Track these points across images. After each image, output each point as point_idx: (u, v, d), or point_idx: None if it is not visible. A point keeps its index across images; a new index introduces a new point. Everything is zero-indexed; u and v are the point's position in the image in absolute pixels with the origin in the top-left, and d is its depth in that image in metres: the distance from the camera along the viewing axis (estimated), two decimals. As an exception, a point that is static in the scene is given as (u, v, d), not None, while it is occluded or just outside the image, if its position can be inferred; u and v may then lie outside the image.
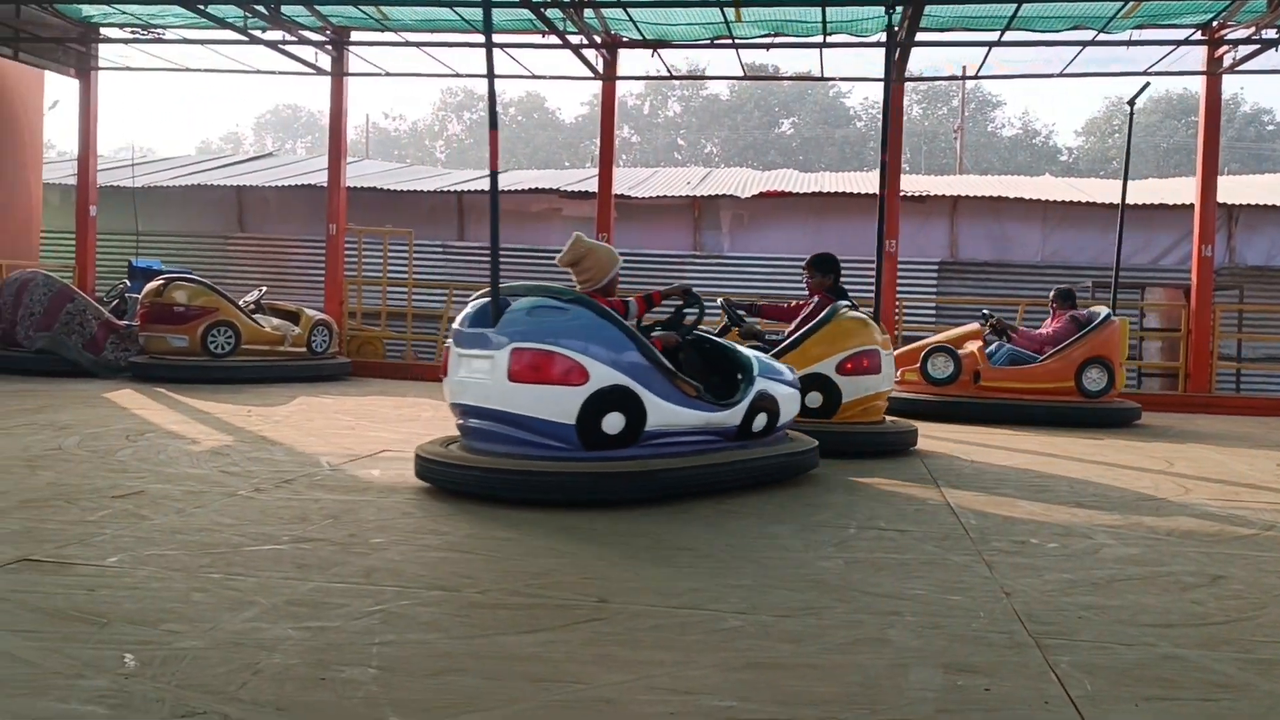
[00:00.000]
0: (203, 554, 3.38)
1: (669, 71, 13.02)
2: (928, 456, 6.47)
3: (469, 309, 4.83)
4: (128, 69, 13.06)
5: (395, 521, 4.01)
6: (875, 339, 6.55)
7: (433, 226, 15.91)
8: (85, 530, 3.66)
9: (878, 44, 11.10)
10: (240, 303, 10.52)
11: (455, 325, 4.87)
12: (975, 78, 12.30)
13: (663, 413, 4.68)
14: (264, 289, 11.38)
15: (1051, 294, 9.55)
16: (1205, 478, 5.93)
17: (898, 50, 10.97)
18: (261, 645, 2.51)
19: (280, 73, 12.47)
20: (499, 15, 10.60)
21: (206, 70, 12.82)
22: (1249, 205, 14.53)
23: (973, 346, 8.96)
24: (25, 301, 10.27)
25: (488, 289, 4.78)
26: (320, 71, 12.16)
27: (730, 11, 10.10)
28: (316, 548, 3.53)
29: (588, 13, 10.53)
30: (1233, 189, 15.28)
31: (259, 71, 12.75)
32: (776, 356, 6.01)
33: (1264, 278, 14.39)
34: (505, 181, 16.99)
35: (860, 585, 3.28)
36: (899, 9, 9.43)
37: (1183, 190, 14.99)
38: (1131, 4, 9.57)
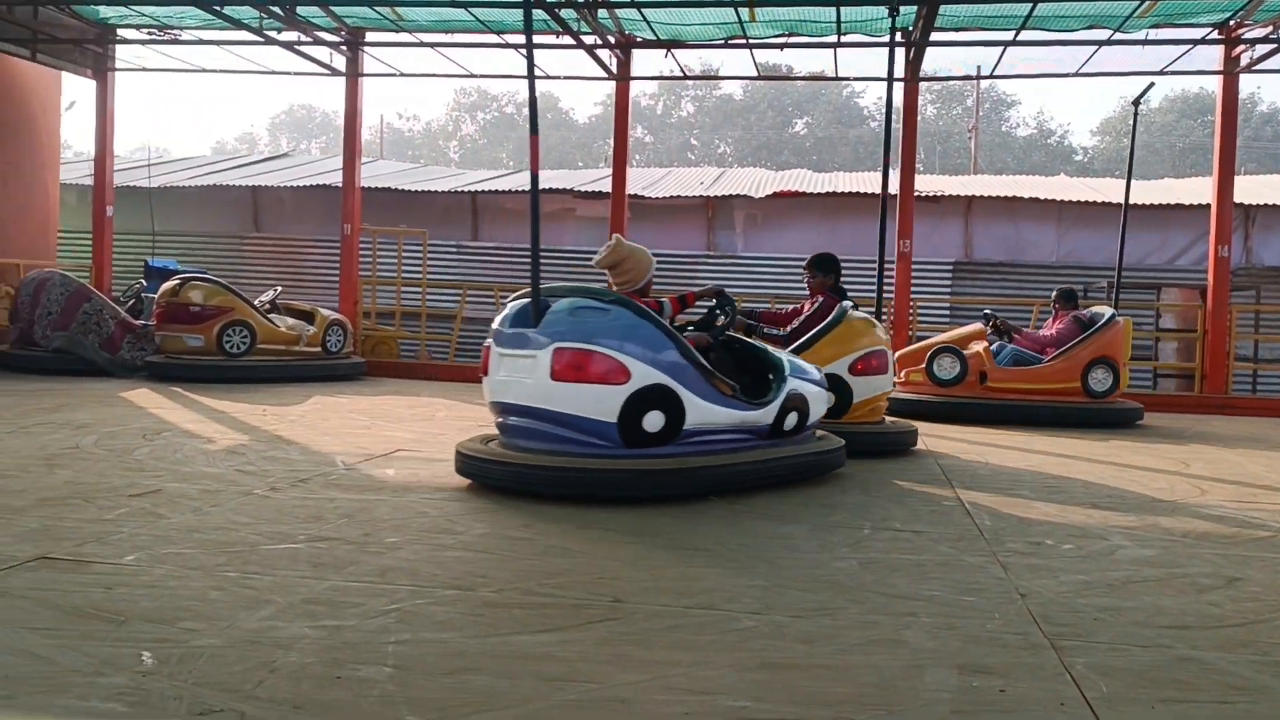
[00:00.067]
0: (219, 552, 3.40)
1: (683, 72, 13.02)
2: (940, 457, 6.45)
3: (509, 309, 4.90)
4: (144, 70, 13.13)
5: (410, 521, 4.02)
6: (882, 339, 6.65)
7: (446, 226, 15.94)
8: (102, 529, 3.69)
9: (893, 43, 11.08)
10: (255, 303, 10.57)
11: (495, 325, 4.94)
12: (990, 77, 12.25)
13: (700, 411, 4.76)
14: (279, 289, 11.44)
15: (1054, 294, 9.53)
16: (1221, 479, 5.90)
17: (912, 50, 10.96)
18: (278, 644, 2.52)
19: (295, 73, 12.53)
20: (511, 15, 10.62)
21: (222, 71, 12.89)
22: (1266, 205, 14.43)
23: (977, 347, 8.93)
24: (43, 301, 10.34)
25: (525, 290, 4.87)
26: (335, 72, 12.20)
27: (744, 11, 10.09)
28: (332, 547, 3.54)
29: (601, 13, 10.54)
30: (1250, 189, 15.19)
31: (274, 72, 12.81)
32: None
33: (1281, 278, 14.30)
34: (518, 182, 17.03)
35: (875, 586, 3.28)
36: (902, 9, 9.40)
37: (1199, 190, 14.91)
38: (1148, 3, 9.52)
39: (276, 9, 10.34)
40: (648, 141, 55.20)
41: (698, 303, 5.47)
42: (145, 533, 3.66)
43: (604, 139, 48.39)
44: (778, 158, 48.60)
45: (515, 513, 4.25)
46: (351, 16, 11.37)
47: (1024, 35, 10.36)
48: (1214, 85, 11.48)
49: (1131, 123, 9.71)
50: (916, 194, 12.10)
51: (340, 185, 13.07)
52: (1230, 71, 10.72)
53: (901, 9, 10.01)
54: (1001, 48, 10.67)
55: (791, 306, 7.29)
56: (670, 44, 11.41)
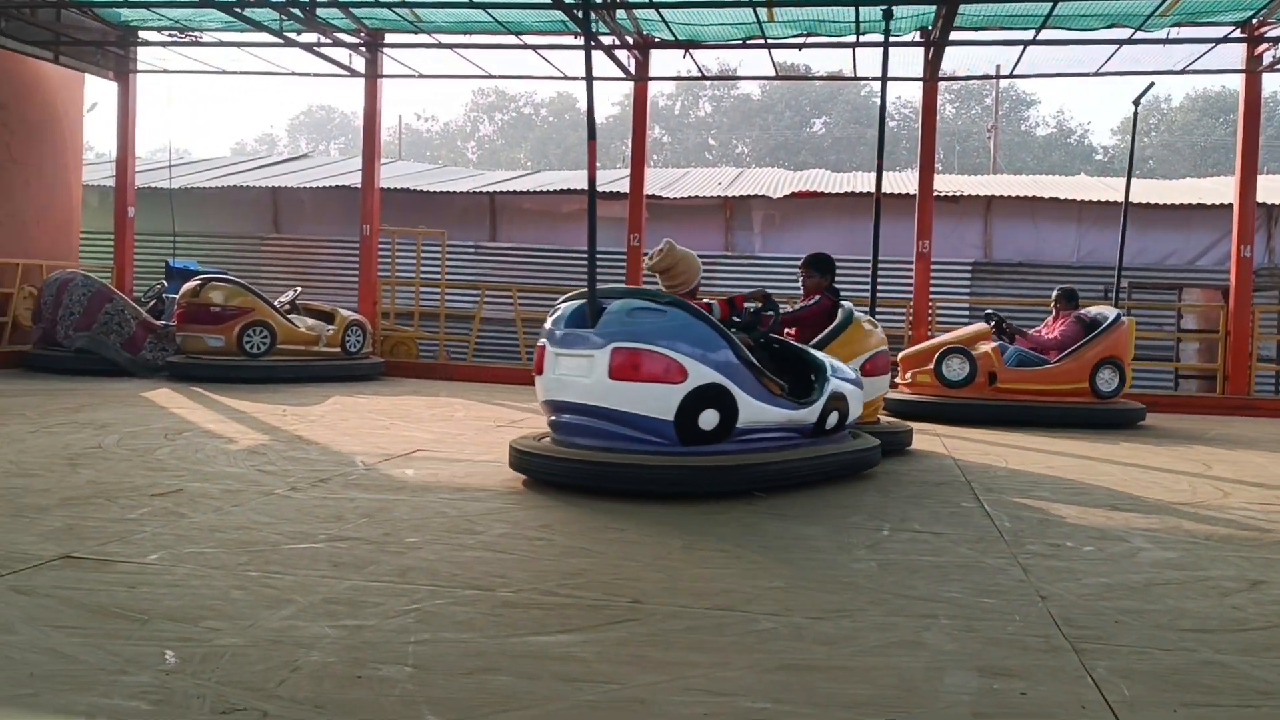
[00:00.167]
0: (241, 552, 3.42)
1: (700, 72, 13.01)
2: (958, 459, 6.43)
3: (563, 310, 5.03)
4: (165, 71, 13.22)
5: (429, 521, 4.04)
6: (882, 340, 6.75)
7: (464, 227, 15.97)
8: (125, 528, 3.71)
9: (912, 43, 11.06)
10: (275, 303, 10.63)
11: (548, 326, 5.07)
12: (1010, 76, 12.18)
13: (752, 409, 4.88)
14: (299, 289, 11.49)
15: (1054, 294, 9.47)
16: (1244, 481, 5.86)
17: (931, 49, 10.92)
18: (299, 643, 2.54)
19: (315, 75, 12.59)
20: (530, 16, 10.65)
21: (242, 73, 12.96)
22: (1289, 205, 14.31)
23: (986, 348, 8.88)
24: (65, 302, 10.43)
25: (577, 292, 5.05)
26: (354, 74, 12.25)
27: (763, 12, 10.08)
28: (352, 546, 3.56)
29: (620, 13, 10.55)
30: (1272, 188, 15.04)
31: (294, 74, 12.87)
32: None
33: (1304, 278, 14.17)
34: (536, 182, 17.05)
35: (894, 588, 3.27)
36: (920, 9, 9.37)
37: (1221, 189, 14.79)
38: (1169, 2, 9.46)
39: (296, 11, 10.40)
40: (665, 142, 55.21)
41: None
42: (168, 532, 3.69)
43: (622, 139, 48.40)
44: (796, 158, 48.50)
45: (534, 513, 4.26)
46: (371, 18, 11.42)
47: (1044, 34, 10.31)
48: (1236, 84, 11.38)
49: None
50: (935, 194, 12.05)
51: (359, 186, 13.13)
52: (1253, 70, 10.64)
53: (919, 9, 10.00)
54: (1021, 47, 10.62)
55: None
56: (688, 44, 11.41)
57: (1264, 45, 10.38)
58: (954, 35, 10.51)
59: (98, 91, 20.97)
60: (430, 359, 12.82)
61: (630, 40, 11.37)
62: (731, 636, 2.73)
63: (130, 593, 2.92)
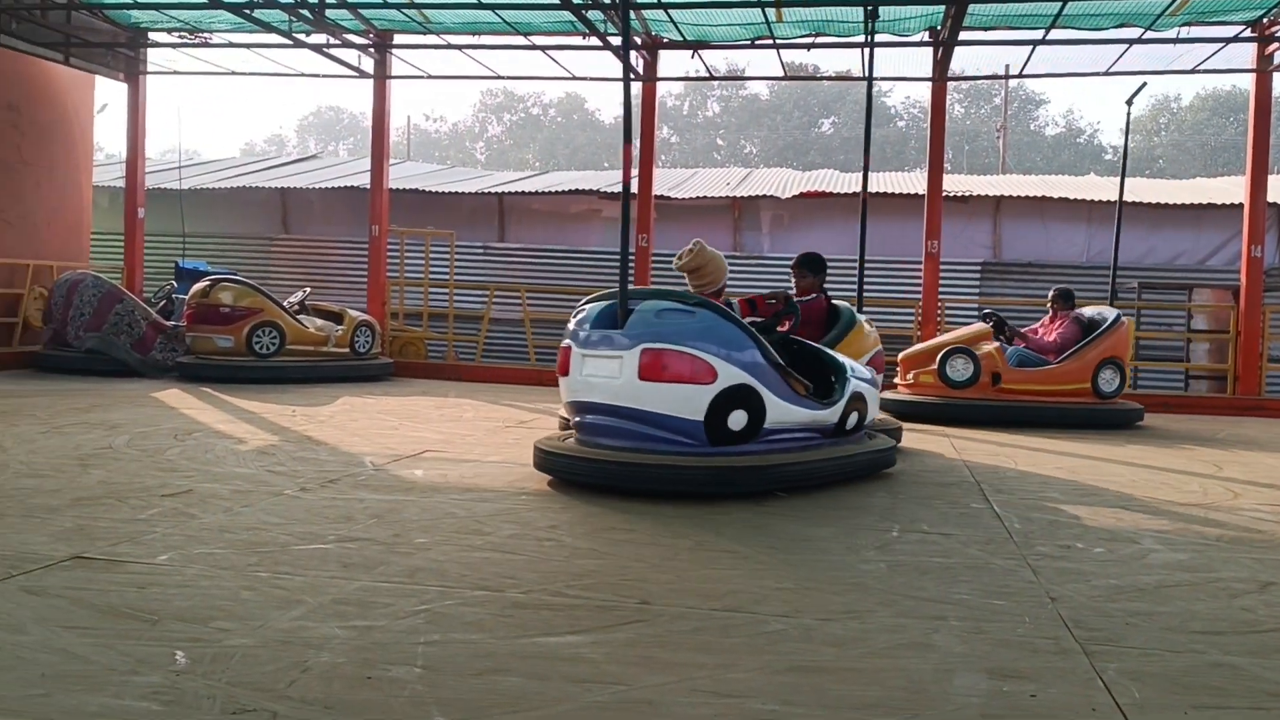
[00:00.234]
0: (251, 553, 3.43)
1: (709, 72, 13.00)
2: (966, 460, 6.41)
3: (590, 311, 5.04)
4: (175, 73, 13.26)
5: (438, 522, 4.04)
6: (879, 340, 6.78)
7: (473, 228, 15.98)
8: (136, 528, 3.73)
9: (920, 43, 11.05)
10: (285, 304, 10.66)
11: (573, 326, 5.08)
12: (1019, 76, 12.15)
13: (779, 410, 4.91)
14: (308, 290, 11.53)
15: (1051, 294, 9.43)
16: (1255, 482, 5.83)
17: (940, 50, 10.90)
18: (309, 644, 2.55)
19: (324, 76, 12.61)
20: (539, 16, 10.65)
21: (251, 74, 13.00)
22: (1300, 204, 14.24)
23: (989, 348, 8.85)
24: (75, 302, 10.47)
25: (602, 293, 5.09)
26: (363, 74, 12.27)
27: (771, 12, 10.07)
28: (362, 547, 3.57)
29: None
30: (1283, 188, 14.98)
31: (303, 74, 12.91)
32: None
33: (1316, 278, 14.10)
34: (544, 183, 17.06)
35: (903, 589, 3.27)
36: (929, 9, 9.35)
37: (1231, 189, 14.73)
38: (1179, 1, 9.43)
39: (305, 12, 10.42)
40: (673, 142, 55.22)
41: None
42: (178, 533, 3.70)
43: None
44: (804, 158, 48.47)
45: (543, 514, 4.27)
46: (379, 19, 11.44)
47: (1053, 34, 10.28)
48: (1246, 83, 11.34)
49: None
50: (944, 194, 12.03)
51: (368, 187, 13.15)
52: (1263, 70, 10.60)
53: (928, 9, 9.99)
54: (1031, 46, 10.60)
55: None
56: (697, 45, 11.41)
57: (1274, 45, 10.34)
58: (963, 35, 10.48)
59: (108, 93, 21.05)
60: (439, 359, 12.84)
61: (639, 41, 11.37)
62: (740, 638, 2.73)
63: (141, 593, 2.93)
